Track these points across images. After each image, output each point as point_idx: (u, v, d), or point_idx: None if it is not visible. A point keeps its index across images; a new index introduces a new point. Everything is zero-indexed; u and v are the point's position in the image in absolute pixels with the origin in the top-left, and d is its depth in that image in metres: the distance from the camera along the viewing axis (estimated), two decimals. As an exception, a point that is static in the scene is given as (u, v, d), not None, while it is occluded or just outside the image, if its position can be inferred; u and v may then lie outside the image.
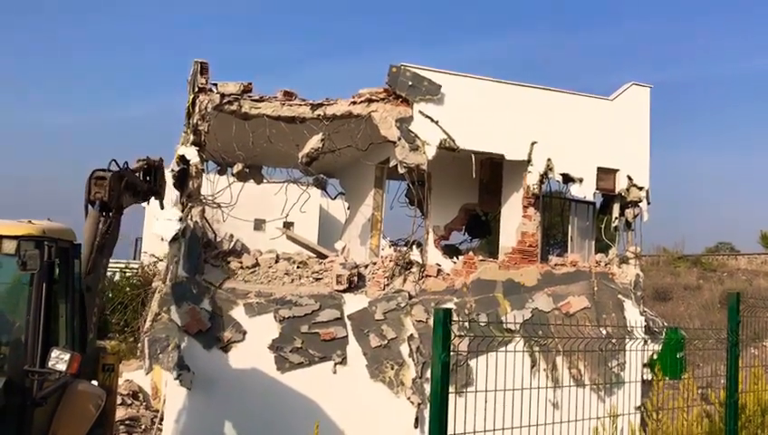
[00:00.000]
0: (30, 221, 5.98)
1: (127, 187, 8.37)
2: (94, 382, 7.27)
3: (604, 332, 11.61)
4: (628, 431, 7.04)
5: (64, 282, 6.35)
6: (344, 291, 11.14)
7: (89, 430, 6.39)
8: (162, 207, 10.43)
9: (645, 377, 10.97)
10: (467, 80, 12.25)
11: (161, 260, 17.36)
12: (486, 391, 4.60)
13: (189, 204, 11.15)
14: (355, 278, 11.33)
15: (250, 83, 11.50)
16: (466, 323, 11.02)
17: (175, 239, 10.81)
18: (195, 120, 11.09)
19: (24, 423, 5.54)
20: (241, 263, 11.19)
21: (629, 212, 13.03)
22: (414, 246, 12.34)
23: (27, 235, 5.68)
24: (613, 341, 10.86)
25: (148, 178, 9.33)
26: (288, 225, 18.26)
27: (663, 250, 33.45)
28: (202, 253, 10.82)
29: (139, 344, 12.06)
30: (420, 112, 11.81)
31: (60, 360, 5.49)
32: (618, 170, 12.84)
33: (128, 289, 19.56)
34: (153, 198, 9.78)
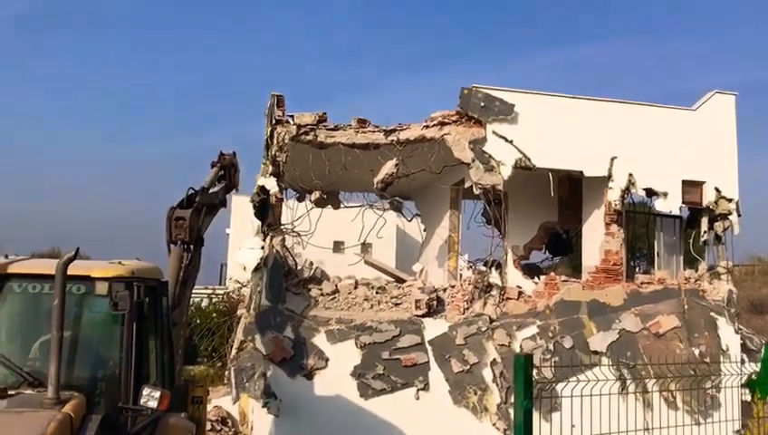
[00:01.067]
0: (120, 262, 6.22)
1: (206, 212, 8.77)
2: (183, 415, 7.47)
3: (697, 352, 11.14)
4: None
5: (153, 319, 6.57)
6: (424, 316, 11.10)
7: (180, 463, 6.56)
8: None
9: (743, 398, 10.42)
10: (541, 97, 12.08)
11: (245, 286, 17.76)
12: (572, 421, 4.45)
13: (270, 233, 11.39)
14: (434, 302, 11.28)
15: (325, 113, 11.72)
16: (551, 347, 10.81)
17: (257, 268, 11.07)
18: (273, 152, 11.37)
19: (120, 458, 5.74)
20: (321, 290, 11.34)
21: (719, 225, 12.46)
22: (493, 268, 12.19)
23: (118, 276, 5.90)
24: (707, 361, 10.38)
25: (223, 176, 9.79)
26: (366, 248, 18.39)
27: (758, 259, 31.76)
28: (283, 281, 11.02)
29: (226, 372, 12.36)
30: (494, 133, 11.71)
31: (151, 397, 5.66)
32: (704, 182, 12.32)
33: (214, 315, 20.08)
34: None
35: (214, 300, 21.46)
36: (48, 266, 5.83)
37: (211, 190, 9.38)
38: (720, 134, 12.40)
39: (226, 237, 26.70)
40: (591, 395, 4.56)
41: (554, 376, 5.24)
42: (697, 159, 12.26)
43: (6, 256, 6.14)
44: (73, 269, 5.57)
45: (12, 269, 5.93)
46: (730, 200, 12.28)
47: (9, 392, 5.33)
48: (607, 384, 5.18)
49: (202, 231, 8.84)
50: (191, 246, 8.36)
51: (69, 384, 5.59)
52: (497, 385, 10.83)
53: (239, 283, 20.02)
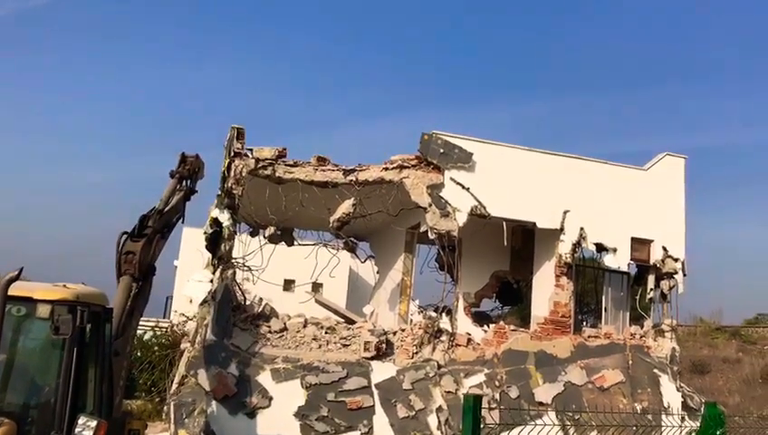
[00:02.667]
0: (65, 285, 6.04)
1: (161, 236, 8.62)
2: (119, 448, 7.18)
3: (639, 408, 11.27)
4: None
5: (95, 346, 6.36)
6: (372, 358, 11.00)
7: (112, 499, 6.28)
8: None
9: (683, 457, 10.53)
10: (499, 148, 12.32)
11: (191, 320, 17.37)
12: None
13: (221, 266, 11.22)
14: (383, 345, 11.20)
15: (284, 149, 11.72)
16: (497, 396, 10.80)
17: (204, 302, 10.86)
18: (229, 184, 11.27)
19: (48, 491, 5.47)
20: (269, 327, 11.16)
21: (665, 283, 12.78)
22: (443, 314, 12.20)
23: (61, 299, 5.73)
24: (649, 417, 10.50)
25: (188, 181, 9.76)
26: (317, 287, 18.24)
27: (700, 320, 32.51)
28: (231, 316, 10.82)
29: (165, 407, 11.97)
30: (452, 179, 11.87)
31: (87, 427, 5.46)
32: (652, 241, 12.67)
33: (156, 348, 19.51)
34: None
35: (157, 333, 20.89)
36: (-12, 285, 5.62)
37: (167, 207, 9.19)
38: (669, 195, 12.82)
39: (174, 269, 26.17)
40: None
41: (501, 422, 5.22)
42: (647, 217, 12.62)
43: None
44: (15, 290, 5.38)
45: (-51, 286, 5.69)
46: (676, 260, 12.62)
47: (-66, 416, 5.07)
48: (551, 434, 5.19)
49: (154, 259, 8.65)
50: (141, 280, 8.18)
51: (-1, 410, 5.35)
52: (442, 432, 10.73)
53: (184, 316, 19.57)
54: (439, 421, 10.77)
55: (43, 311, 5.65)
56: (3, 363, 5.45)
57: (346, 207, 11.87)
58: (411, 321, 12.94)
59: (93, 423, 5.50)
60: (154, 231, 8.49)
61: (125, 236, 8.26)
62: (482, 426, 3.86)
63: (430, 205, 11.75)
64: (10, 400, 5.66)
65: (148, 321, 20.29)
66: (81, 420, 5.50)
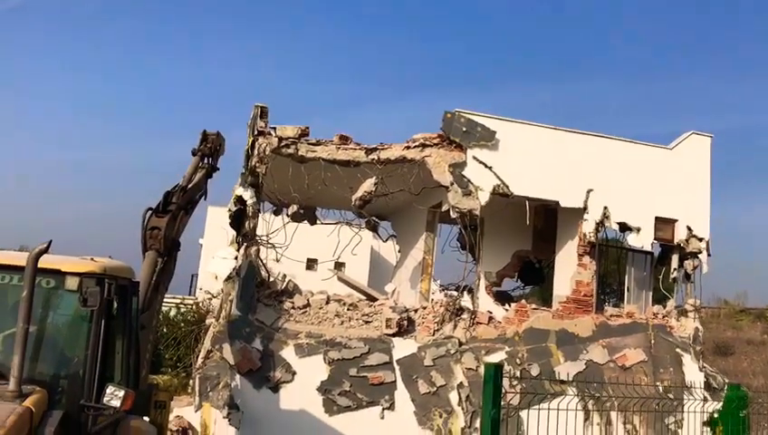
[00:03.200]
0: (92, 258, 6.16)
1: (185, 212, 8.78)
2: (146, 418, 7.36)
3: (661, 387, 11.25)
4: (687, 495, 6.74)
5: (122, 319, 6.49)
6: (394, 335, 11.09)
7: (139, 467, 6.46)
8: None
9: (705, 437, 10.51)
10: (522, 126, 12.25)
11: (215, 297, 17.62)
12: (537, 448, 4.47)
13: (245, 243, 11.34)
14: (405, 322, 11.28)
15: (307, 127, 11.76)
16: (517, 373, 10.85)
17: (229, 278, 11.00)
18: (253, 163, 11.35)
19: (79, 457, 5.63)
20: (293, 303, 11.29)
21: (689, 263, 12.67)
22: (465, 292, 12.24)
23: (89, 272, 5.84)
24: (671, 397, 10.49)
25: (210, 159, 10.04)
26: (339, 266, 18.36)
27: (724, 302, 32.27)
28: (255, 292, 10.96)
29: (191, 381, 12.20)
30: (474, 158, 11.84)
31: (114, 396, 5.59)
32: (677, 220, 12.55)
33: (182, 325, 19.85)
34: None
35: (182, 310, 21.23)
36: (19, 258, 5.76)
37: (190, 184, 9.35)
38: (694, 174, 12.67)
39: (199, 247, 26.47)
40: (559, 411, 4.60)
41: (521, 400, 5.28)
42: (671, 196, 12.49)
43: (-24, 246, 6.05)
44: (44, 262, 5.50)
45: (-19, 259, 5.85)
46: (701, 239, 12.51)
47: (-30, 383, 5.23)
48: (571, 413, 5.22)
49: (178, 235, 8.82)
50: (166, 256, 8.36)
51: (31, 378, 5.50)
52: (463, 409, 10.82)
53: (209, 293, 19.84)
54: (460, 397, 10.86)
55: (72, 283, 5.76)
56: (33, 335, 5.57)
57: (368, 185, 11.90)
58: (432, 299, 13.01)
59: (121, 393, 5.63)
60: (178, 207, 8.67)
61: (150, 211, 8.42)
62: (502, 404, 3.92)
63: (452, 184, 11.75)
64: (41, 369, 5.79)
65: (173, 298, 20.65)
66: (110, 390, 5.63)
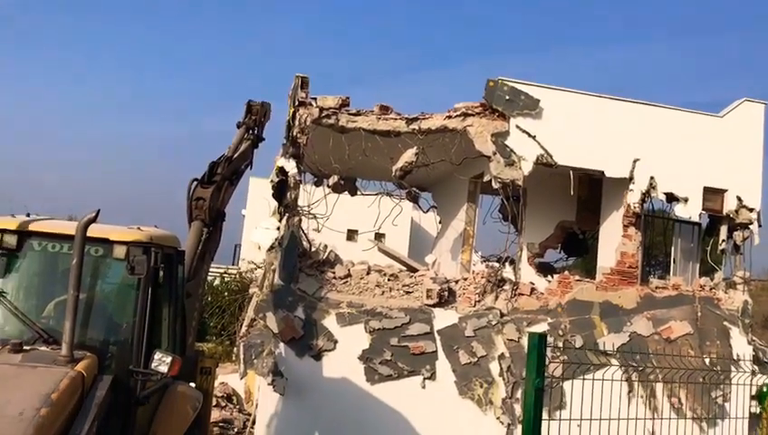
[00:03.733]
0: (139, 228, 6.28)
1: (230, 183, 8.88)
2: (192, 384, 7.54)
3: (708, 360, 11.07)
4: (734, 468, 6.64)
5: (168, 287, 6.61)
6: (434, 305, 11.10)
7: (186, 431, 6.62)
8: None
9: (753, 410, 10.33)
10: (566, 94, 11.99)
11: (259, 267, 17.88)
12: (581, 419, 4.44)
13: (287, 214, 11.43)
14: (446, 293, 11.26)
15: (348, 97, 11.71)
16: (560, 344, 10.78)
17: (272, 248, 11.12)
18: (294, 133, 11.38)
19: (128, 421, 5.79)
20: (334, 273, 11.36)
21: (738, 234, 12.33)
22: (507, 263, 12.16)
23: (136, 241, 5.96)
24: (718, 370, 10.32)
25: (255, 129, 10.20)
26: (380, 237, 18.42)
27: (775, 275, 31.41)
28: (297, 262, 11.06)
29: (235, 349, 12.45)
30: (517, 127, 11.65)
31: (162, 362, 5.72)
32: (726, 191, 12.19)
33: (226, 294, 20.25)
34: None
35: (226, 279, 21.64)
36: (68, 227, 5.91)
37: (236, 154, 9.43)
38: (746, 142, 12.25)
39: (242, 218, 26.84)
40: (603, 383, 4.55)
41: (564, 371, 5.22)
42: (721, 166, 12.13)
43: (28, 215, 6.21)
44: (93, 232, 5.63)
45: (33, 227, 6.01)
46: (751, 210, 12.14)
47: (24, 347, 5.41)
48: (615, 385, 5.16)
49: (224, 206, 8.93)
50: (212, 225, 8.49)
51: (82, 344, 5.66)
52: (504, 379, 10.82)
53: (253, 263, 20.16)
54: (501, 368, 10.85)
55: (120, 252, 5.89)
56: (83, 302, 5.72)
57: (408, 156, 11.83)
58: (473, 270, 12.95)
59: (168, 359, 5.76)
60: (223, 178, 8.75)
61: (195, 182, 8.52)
62: (546, 375, 3.88)
63: (494, 153, 11.60)
64: (91, 335, 5.96)
65: (217, 268, 21.05)
66: (157, 356, 5.76)
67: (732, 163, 12.18)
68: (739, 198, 12.17)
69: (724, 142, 12.21)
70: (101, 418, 5.20)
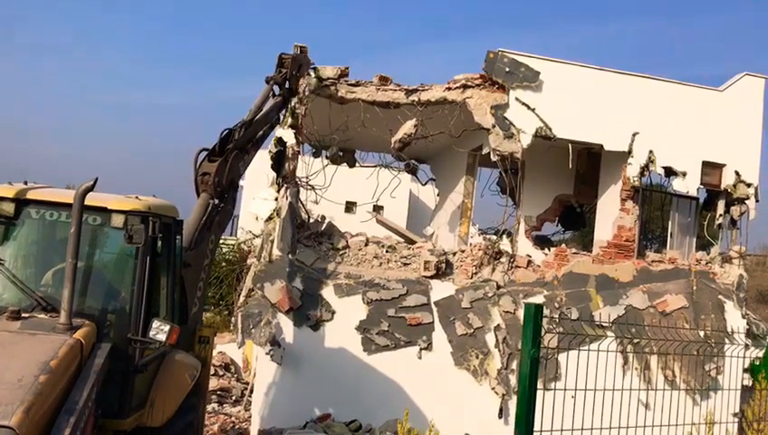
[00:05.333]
0: (137, 197, 6.27)
1: (248, 150, 8.62)
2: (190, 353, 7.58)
3: (702, 333, 11.16)
4: (725, 440, 6.73)
5: (166, 256, 6.64)
6: (432, 277, 11.15)
7: (184, 399, 6.69)
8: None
9: (745, 383, 10.43)
10: (567, 66, 11.92)
11: (257, 237, 17.91)
12: (576, 389, 4.49)
13: (285, 185, 11.42)
14: (443, 265, 11.30)
15: (347, 68, 11.63)
16: (556, 318, 10.85)
17: (270, 219, 11.12)
18: (293, 103, 11.31)
19: (127, 388, 5.86)
20: (332, 244, 11.39)
21: (735, 209, 12.36)
22: (504, 236, 12.19)
23: (134, 210, 5.96)
24: (712, 343, 10.42)
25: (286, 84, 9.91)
26: (378, 209, 18.43)
27: (770, 250, 31.58)
28: (295, 233, 11.07)
29: (233, 318, 12.51)
30: (517, 99, 11.60)
31: (160, 330, 5.76)
32: (725, 165, 12.19)
33: (224, 264, 20.28)
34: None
35: (224, 250, 21.64)
36: (66, 195, 5.91)
37: (257, 117, 9.11)
38: (746, 117, 12.21)
39: (240, 189, 26.76)
40: (599, 354, 4.59)
41: (559, 343, 5.27)
42: (720, 140, 12.11)
43: (26, 183, 6.20)
44: (90, 200, 5.63)
45: (30, 195, 6.01)
46: (749, 185, 12.15)
47: (23, 315, 5.44)
48: (610, 357, 5.20)
49: (236, 177, 8.72)
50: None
51: (80, 312, 5.70)
52: (499, 351, 10.91)
53: (251, 233, 20.18)
54: (497, 339, 10.94)
55: (117, 220, 5.89)
56: (81, 270, 5.73)
57: (407, 127, 11.79)
58: (471, 243, 12.98)
59: (166, 328, 5.80)
60: (232, 149, 8.47)
61: (203, 154, 8.26)
62: (542, 346, 3.92)
63: (494, 126, 11.56)
64: (89, 304, 5.99)
65: (216, 239, 21.02)
66: (155, 325, 5.80)
67: (731, 138, 12.17)
68: (737, 173, 12.18)
69: (724, 117, 12.18)
70: (100, 385, 5.26)
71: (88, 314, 5.83)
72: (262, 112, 9.28)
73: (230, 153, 8.40)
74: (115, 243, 6.23)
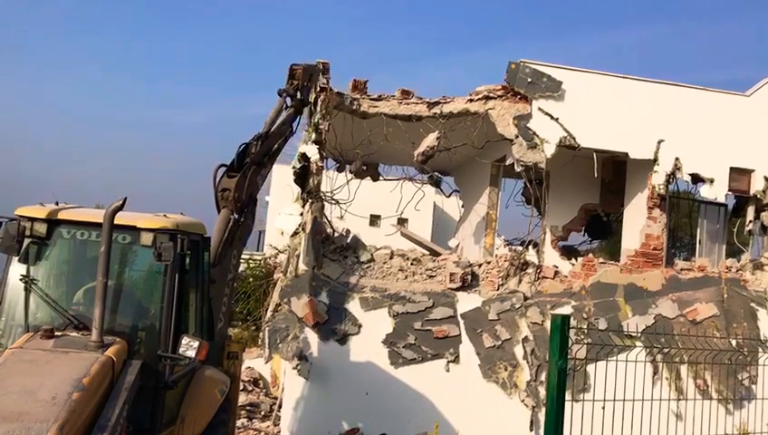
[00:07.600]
0: (165, 215, 6.36)
1: (264, 164, 8.72)
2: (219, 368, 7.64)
3: (734, 342, 10.96)
4: (760, 450, 6.61)
5: (194, 273, 6.72)
6: (457, 289, 11.12)
7: (214, 415, 6.74)
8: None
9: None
10: (589, 75, 11.88)
11: (283, 252, 18.02)
12: (605, 400, 4.45)
13: (309, 200, 11.49)
14: (469, 277, 11.27)
15: (367, 81, 11.73)
16: (584, 328, 10.75)
17: (295, 234, 11.20)
18: (316, 119, 11.41)
19: (157, 404, 5.92)
20: (357, 258, 11.42)
21: (765, 215, 12.18)
22: (530, 247, 12.13)
23: (163, 228, 6.04)
24: (744, 352, 10.24)
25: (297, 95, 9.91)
26: (402, 222, 18.45)
27: (804, 256, 30.91)
28: (321, 247, 11.13)
29: (261, 333, 12.58)
30: (540, 109, 11.58)
31: (189, 347, 5.83)
32: (753, 171, 12.04)
33: (251, 280, 20.43)
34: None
35: (251, 265, 21.81)
36: (96, 215, 6.02)
37: (272, 129, 9.19)
38: (773, 121, 12.06)
39: (266, 205, 27.00)
40: (627, 364, 4.55)
41: (587, 354, 5.23)
42: (748, 145, 11.97)
43: (57, 204, 6.33)
44: (120, 219, 5.73)
45: (62, 216, 6.13)
46: (779, 190, 11.97)
47: (56, 333, 5.54)
48: (639, 367, 5.15)
49: (255, 191, 8.80)
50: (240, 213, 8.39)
51: (111, 330, 5.78)
52: (528, 362, 10.83)
53: (276, 249, 20.31)
54: (525, 351, 10.86)
55: (146, 239, 5.98)
56: (111, 288, 5.82)
57: (430, 140, 11.82)
58: (496, 254, 12.93)
59: (196, 344, 5.87)
60: (250, 164, 8.56)
61: (222, 169, 8.35)
62: (569, 357, 3.89)
63: (517, 136, 11.55)
64: (120, 321, 6.08)
65: (242, 254, 21.19)
66: (185, 341, 5.87)
67: (759, 142, 12.02)
68: (766, 178, 12.00)
69: (751, 121, 12.04)
70: (131, 402, 5.32)
71: (119, 331, 5.91)
72: (275, 125, 9.35)
73: (248, 168, 8.48)
74: (144, 261, 6.32)
